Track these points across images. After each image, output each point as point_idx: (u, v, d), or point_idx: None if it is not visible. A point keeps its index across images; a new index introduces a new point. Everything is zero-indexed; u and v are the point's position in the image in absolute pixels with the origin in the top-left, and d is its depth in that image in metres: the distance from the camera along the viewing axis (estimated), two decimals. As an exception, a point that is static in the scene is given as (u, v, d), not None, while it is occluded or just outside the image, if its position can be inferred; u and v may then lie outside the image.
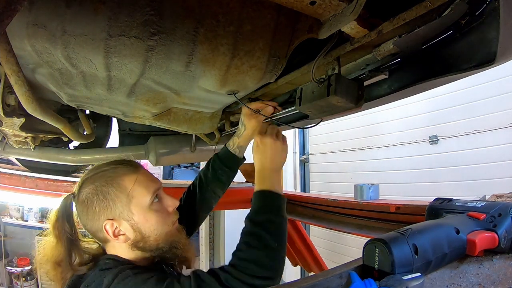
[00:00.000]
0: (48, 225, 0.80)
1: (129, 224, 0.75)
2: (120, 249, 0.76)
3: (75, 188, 0.79)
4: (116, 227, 0.74)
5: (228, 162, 1.03)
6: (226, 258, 4.34)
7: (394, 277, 0.44)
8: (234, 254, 0.74)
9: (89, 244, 0.82)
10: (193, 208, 1.05)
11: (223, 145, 1.09)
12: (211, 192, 1.05)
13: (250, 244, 0.73)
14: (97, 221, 0.74)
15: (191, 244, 0.86)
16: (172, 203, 0.82)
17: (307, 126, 1.03)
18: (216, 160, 1.04)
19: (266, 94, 1.07)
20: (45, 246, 0.79)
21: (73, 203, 0.79)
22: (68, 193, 0.80)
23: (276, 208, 0.81)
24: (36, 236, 3.72)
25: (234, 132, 1.05)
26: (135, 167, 0.81)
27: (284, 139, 0.94)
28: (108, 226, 0.74)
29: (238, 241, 0.76)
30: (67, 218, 0.78)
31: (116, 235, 0.74)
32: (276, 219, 0.78)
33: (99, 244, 0.82)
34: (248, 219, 0.79)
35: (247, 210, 0.83)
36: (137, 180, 0.77)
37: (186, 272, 0.79)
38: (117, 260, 0.75)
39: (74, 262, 0.77)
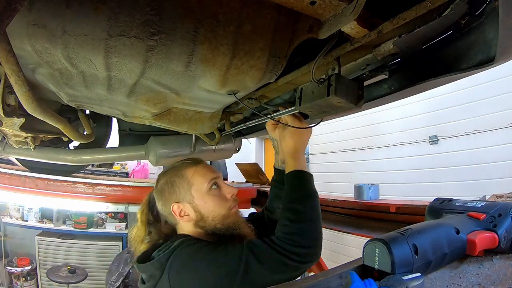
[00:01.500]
0: (137, 215, 1.00)
1: (191, 206, 0.90)
2: (187, 227, 0.91)
3: (155, 184, 0.99)
4: (182, 209, 0.90)
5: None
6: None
7: (394, 277, 0.44)
8: (278, 229, 0.84)
9: (166, 229, 0.98)
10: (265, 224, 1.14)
11: (223, 145, 1.11)
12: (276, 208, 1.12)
13: (292, 219, 0.83)
14: (168, 205, 0.91)
15: (249, 226, 0.97)
16: (230, 190, 0.95)
17: (307, 126, 1.03)
18: (274, 183, 1.13)
19: (266, 94, 1.07)
20: (134, 231, 0.98)
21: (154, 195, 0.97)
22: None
23: (310, 185, 0.92)
24: (36, 236, 3.72)
25: (234, 133, 1.08)
26: (197, 162, 0.98)
27: (302, 120, 1.01)
28: (175, 208, 0.90)
29: None
30: (150, 207, 0.98)
31: (181, 216, 0.90)
32: (311, 195, 0.89)
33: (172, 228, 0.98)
34: (287, 198, 0.90)
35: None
36: (196, 170, 0.94)
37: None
38: (183, 235, 0.90)
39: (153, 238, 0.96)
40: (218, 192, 0.94)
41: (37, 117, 0.83)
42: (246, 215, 1.10)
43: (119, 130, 1.76)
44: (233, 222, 0.92)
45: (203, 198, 0.91)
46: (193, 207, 0.90)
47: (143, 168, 5.92)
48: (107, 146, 1.91)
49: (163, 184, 0.95)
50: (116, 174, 5.33)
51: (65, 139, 1.58)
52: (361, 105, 0.71)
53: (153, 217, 0.98)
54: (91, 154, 1.61)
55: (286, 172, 0.94)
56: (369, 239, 0.51)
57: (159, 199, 0.95)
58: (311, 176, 0.94)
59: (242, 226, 0.93)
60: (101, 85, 0.87)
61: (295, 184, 0.91)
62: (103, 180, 2.95)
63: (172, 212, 0.90)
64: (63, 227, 3.77)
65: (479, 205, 0.62)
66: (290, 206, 0.87)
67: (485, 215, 0.58)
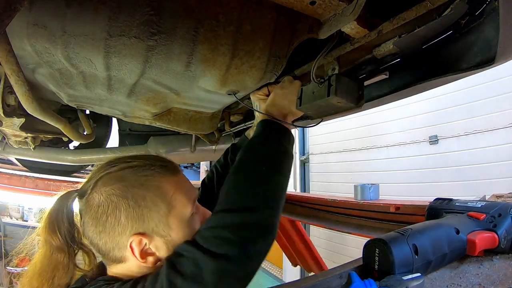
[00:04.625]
0: (39, 235, 0.60)
1: (164, 241, 0.56)
2: (137, 271, 0.56)
3: (83, 185, 0.59)
4: (145, 245, 0.55)
5: None
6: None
7: (394, 277, 0.44)
8: (216, 210, 0.57)
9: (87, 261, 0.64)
10: (212, 206, 0.89)
11: (223, 145, 1.06)
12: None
13: (238, 201, 0.57)
14: (117, 236, 0.54)
15: None
16: (208, 215, 0.63)
17: (307, 126, 1.03)
18: (235, 151, 0.91)
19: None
20: (36, 257, 0.60)
21: (75, 205, 0.60)
22: (67, 191, 0.60)
23: (286, 142, 0.68)
24: (37, 237, 3.73)
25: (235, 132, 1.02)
26: (174, 168, 0.62)
27: (291, 81, 0.79)
28: (135, 244, 0.54)
29: None
30: (68, 222, 0.59)
31: (143, 256, 0.55)
32: (285, 156, 0.65)
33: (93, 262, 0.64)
34: (247, 155, 0.65)
35: None
36: (178, 184, 0.59)
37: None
38: (116, 281, 0.56)
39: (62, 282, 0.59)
40: (197, 219, 0.61)
41: (37, 117, 0.83)
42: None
43: (119, 130, 1.76)
44: None
45: (184, 230, 0.57)
46: (167, 243, 0.56)
47: (143, 168, 5.91)
48: (107, 146, 1.91)
49: (116, 197, 0.54)
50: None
51: (65, 139, 1.59)
52: (361, 105, 0.71)
53: (71, 240, 0.59)
54: (91, 154, 1.61)
55: (259, 120, 0.72)
56: (369, 239, 0.51)
57: (95, 221, 0.55)
58: (291, 135, 0.70)
59: None
60: (101, 85, 0.87)
61: (267, 134, 0.67)
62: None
63: (129, 249, 0.54)
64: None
65: (479, 205, 0.62)
66: (245, 174, 0.60)
67: (485, 215, 0.58)
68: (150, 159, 0.62)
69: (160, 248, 0.56)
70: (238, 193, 0.58)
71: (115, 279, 0.56)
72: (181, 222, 0.57)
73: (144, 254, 0.55)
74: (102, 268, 0.62)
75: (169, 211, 0.56)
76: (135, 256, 0.55)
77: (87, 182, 0.59)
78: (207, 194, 0.90)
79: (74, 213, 0.60)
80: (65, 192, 0.60)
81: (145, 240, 0.54)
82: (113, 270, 0.59)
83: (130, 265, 0.57)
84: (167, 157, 0.65)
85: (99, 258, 0.63)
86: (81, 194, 0.58)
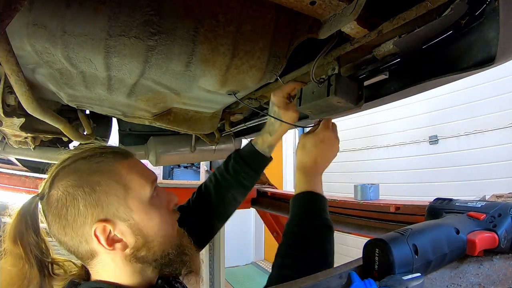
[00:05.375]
0: (4, 243, 0.56)
1: (128, 225, 0.56)
2: (113, 265, 0.56)
3: (41, 186, 0.58)
4: (110, 232, 0.54)
5: (254, 164, 0.85)
6: (226, 258, 4.34)
7: (394, 277, 0.44)
8: (278, 266, 0.64)
9: (66, 267, 0.62)
10: (208, 215, 0.88)
11: (223, 145, 1.03)
12: (231, 198, 0.88)
13: (297, 257, 0.64)
14: (81, 227, 0.54)
15: (197, 254, 0.71)
16: (173, 198, 0.65)
17: (307, 126, 1.03)
18: (239, 161, 0.85)
19: (266, 94, 1.07)
20: (4, 275, 0.55)
21: (39, 208, 0.57)
22: (29, 199, 0.58)
23: (326, 214, 0.72)
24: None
25: (243, 129, 0.97)
26: (125, 153, 0.63)
27: (335, 129, 0.80)
28: (99, 231, 0.54)
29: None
30: (33, 229, 0.56)
31: (110, 243, 0.54)
32: (326, 226, 0.69)
33: (77, 265, 0.63)
34: (296, 225, 0.69)
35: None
36: (131, 165, 0.60)
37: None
38: (100, 283, 0.56)
39: None
40: (159, 201, 0.62)
41: (37, 117, 0.83)
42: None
43: (119, 130, 1.76)
44: (182, 244, 0.64)
45: (146, 211, 0.57)
46: (131, 226, 0.56)
47: (143, 168, 5.91)
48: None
49: (72, 188, 0.54)
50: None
51: (65, 139, 1.58)
52: (361, 105, 0.71)
53: (39, 248, 0.56)
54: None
55: (297, 191, 0.75)
56: (369, 239, 0.51)
57: (57, 218, 0.54)
58: (326, 202, 0.74)
59: (191, 248, 0.65)
60: (101, 85, 0.87)
61: (308, 209, 0.71)
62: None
63: (94, 238, 0.54)
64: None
65: (479, 205, 0.62)
66: (298, 239, 0.66)
67: (485, 215, 0.58)
68: (101, 148, 0.62)
69: (125, 233, 0.56)
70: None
71: (98, 287, 0.56)
72: (141, 204, 0.57)
73: (111, 241, 0.55)
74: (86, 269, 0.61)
75: (126, 193, 0.56)
76: (102, 245, 0.54)
77: (44, 183, 0.58)
78: (201, 200, 0.89)
79: (40, 220, 0.58)
80: (27, 201, 0.58)
81: (109, 227, 0.54)
82: (95, 276, 0.58)
83: (105, 262, 0.57)
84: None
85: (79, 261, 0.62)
86: (42, 196, 0.57)
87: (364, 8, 0.56)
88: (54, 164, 0.60)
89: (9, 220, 0.57)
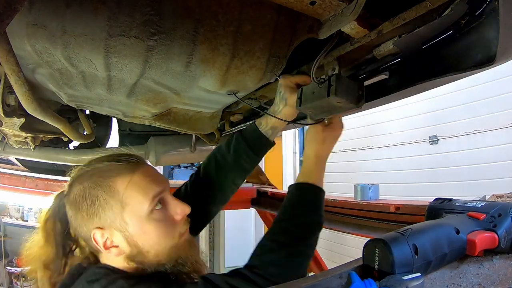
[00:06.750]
0: (38, 224, 0.71)
1: (123, 235, 0.62)
2: (115, 260, 0.65)
3: (66, 185, 0.69)
4: (107, 238, 0.62)
5: (256, 146, 0.82)
6: (226, 258, 4.34)
7: (394, 277, 0.44)
8: (258, 252, 0.69)
9: (83, 251, 0.71)
10: (205, 199, 0.87)
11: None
12: (230, 181, 0.87)
13: (282, 245, 0.68)
14: (85, 228, 0.63)
15: (202, 258, 0.74)
16: (180, 211, 0.67)
17: (307, 124, 1.03)
18: (241, 142, 0.82)
19: (266, 94, 1.07)
20: (32, 245, 0.70)
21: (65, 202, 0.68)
22: (59, 191, 0.72)
23: (321, 211, 0.76)
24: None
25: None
26: (133, 165, 0.67)
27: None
28: (97, 236, 0.62)
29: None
30: (59, 218, 0.69)
31: (107, 247, 0.62)
32: (317, 223, 0.74)
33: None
34: (287, 214, 0.75)
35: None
36: (132, 181, 0.63)
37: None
38: (108, 269, 0.63)
39: (66, 268, 0.68)
40: (164, 214, 0.65)
41: (37, 117, 0.83)
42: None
43: (119, 130, 1.76)
44: (183, 256, 0.67)
45: (142, 225, 0.62)
46: (126, 237, 0.62)
47: (143, 168, 5.91)
48: (107, 146, 1.91)
49: (79, 197, 0.64)
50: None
51: (65, 139, 1.59)
52: (361, 105, 0.71)
53: (63, 233, 0.69)
54: (91, 154, 1.61)
55: (301, 179, 0.79)
56: (369, 239, 0.51)
57: (73, 215, 0.65)
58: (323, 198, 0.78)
59: (194, 260, 0.69)
60: (101, 85, 0.87)
61: (309, 201, 0.75)
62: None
63: (94, 241, 0.63)
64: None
65: (479, 205, 0.62)
66: (285, 227, 0.73)
67: (485, 215, 0.58)
68: (112, 158, 0.69)
69: (120, 242, 0.63)
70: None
71: (104, 267, 0.64)
72: (138, 218, 0.63)
73: (108, 246, 0.63)
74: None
75: (123, 208, 0.62)
76: (100, 247, 0.63)
77: (67, 183, 0.69)
78: (199, 183, 0.89)
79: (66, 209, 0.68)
80: (58, 192, 0.72)
81: (106, 234, 0.63)
82: (103, 260, 0.67)
83: (107, 257, 0.66)
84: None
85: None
86: (65, 194, 0.69)
87: (364, 8, 0.56)
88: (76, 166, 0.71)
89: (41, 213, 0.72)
